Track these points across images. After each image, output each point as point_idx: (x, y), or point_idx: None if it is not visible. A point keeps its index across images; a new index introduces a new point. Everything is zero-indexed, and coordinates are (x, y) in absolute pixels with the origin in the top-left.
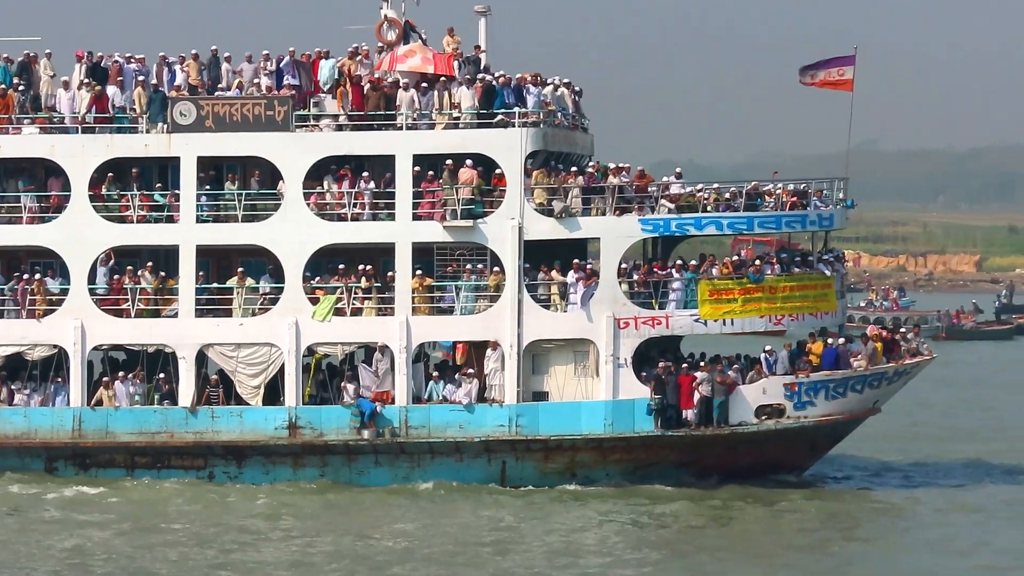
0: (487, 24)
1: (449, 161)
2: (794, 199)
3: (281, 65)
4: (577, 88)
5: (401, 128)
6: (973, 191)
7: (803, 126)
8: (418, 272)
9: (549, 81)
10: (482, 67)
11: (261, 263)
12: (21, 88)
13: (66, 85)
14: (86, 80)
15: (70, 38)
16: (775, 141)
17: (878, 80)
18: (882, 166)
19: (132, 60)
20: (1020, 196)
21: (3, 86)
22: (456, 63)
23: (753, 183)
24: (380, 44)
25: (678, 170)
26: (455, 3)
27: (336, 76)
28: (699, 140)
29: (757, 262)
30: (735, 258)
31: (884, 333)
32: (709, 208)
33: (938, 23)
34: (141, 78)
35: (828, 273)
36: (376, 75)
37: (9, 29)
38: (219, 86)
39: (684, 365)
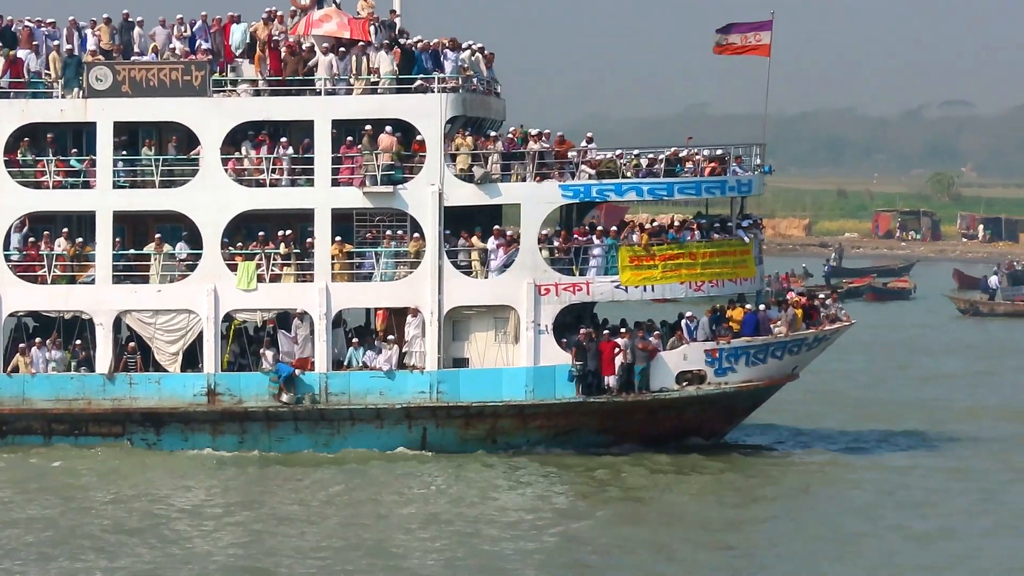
0: None
1: (368, 127)
2: (713, 164)
3: (194, 29)
4: (488, 52)
5: (319, 93)
6: (802, 155)
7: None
8: (337, 239)
9: (465, 46)
10: (397, 31)
11: (177, 229)
12: None
13: None
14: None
15: None
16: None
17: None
18: (711, 130)
19: (42, 24)
20: (848, 160)
21: None
22: (372, 28)
23: (672, 149)
24: (293, 8)
25: (589, 134)
26: None
27: (248, 40)
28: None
29: (676, 226)
30: (654, 224)
31: (803, 299)
32: (629, 174)
33: None
34: (55, 43)
35: (747, 239)
36: (291, 40)
37: None
38: (135, 51)
39: (605, 332)
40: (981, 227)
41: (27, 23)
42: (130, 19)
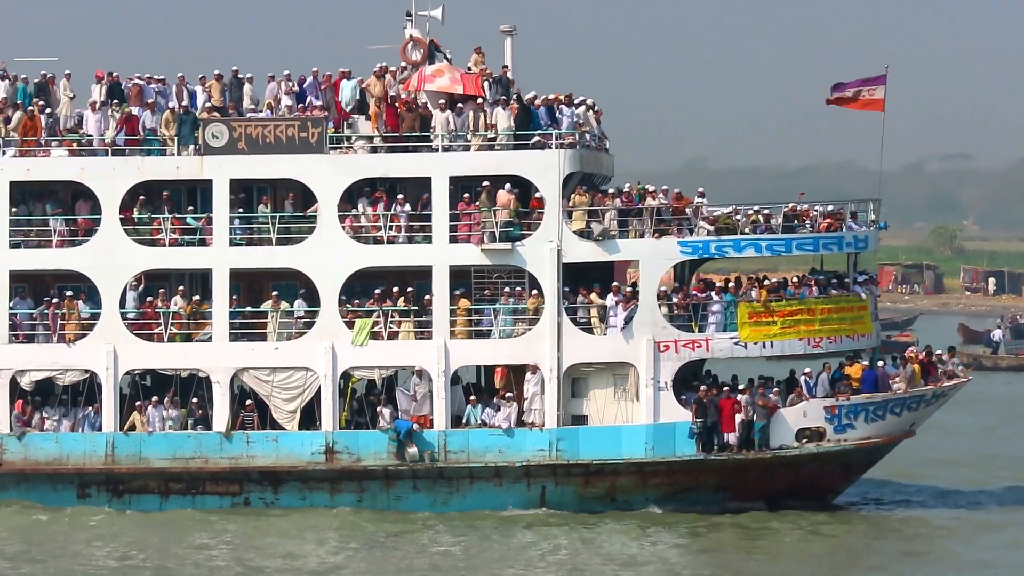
0: (512, 43)
1: (487, 183)
2: (829, 220)
3: (304, 86)
4: (598, 108)
5: (437, 150)
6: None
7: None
8: (455, 294)
9: (577, 101)
10: (511, 87)
11: (292, 286)
12: (47, 110)
13: (93, 107)
14: (115, 102)
15: (87, 58)
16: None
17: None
18: (711, 184)
19: (152, 81)
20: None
21: (31, 109)
22: (485, 83)
23: (790, 205)
24: (403, 64)
25: (701, 190)
26: (478, 23)
27: (358, 96)
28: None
29: (794, 280)
30: (773, 280)
31: (921, 355)
32: (747, 230)
33: (765, 45)
34: (164, 100)
35: (863, 295)
36: (406, 95)
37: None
38: (245, 107)
39: (725, 388)
40: (992, 280)
41: (137, 80)
42: (239, 75)
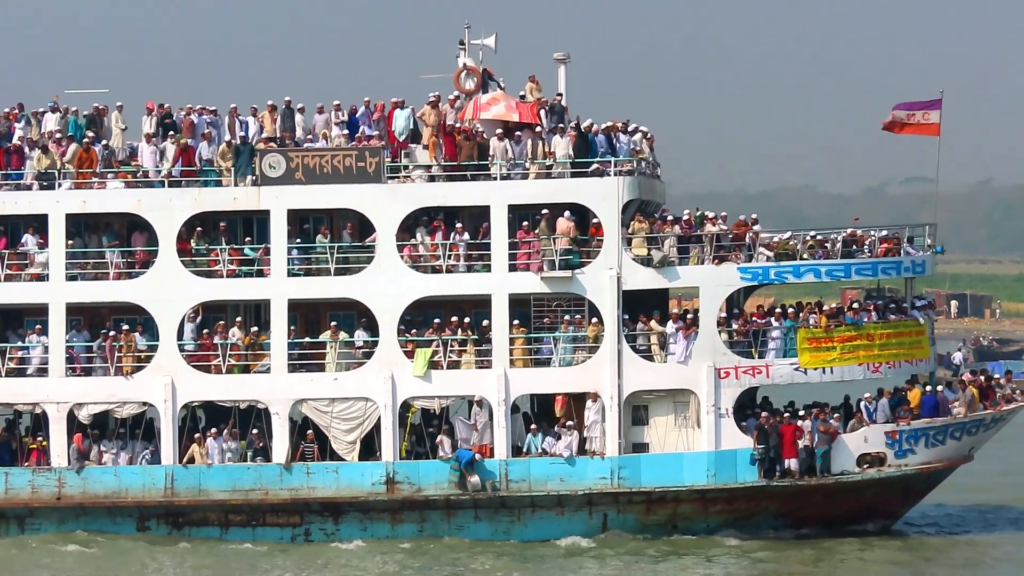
0: (566, 71)
1: (546, 211)
2: (887, 245)
3: (356, 116)
4: (650, 135)
5: (495, 178)
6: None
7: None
8: (514, 323)
9: (633, 128)
10: (565, 114)
11: (350, 316)
12: (103, 142)
13: (147, 138)
14: (171, 134)
15: (137, 90)
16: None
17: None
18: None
19: (204, 112)
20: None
21: (86, 141)
22: (542, 111)
23: (849, 230)
24: (457, 93)
25: (754, 215)
26: (530, 51)
27: (412, 125)
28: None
29: (855, 305)
30: (833, 305)
31: (979, 379)
32: (805, 256)
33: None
34: (216, 131)
35: (922, 320)
36: (462, 124)
37: (73, 82)
38: (300, 138)
39: (786, 415)
40: (954, 303)
41: (188, 111)
42: (291, 106)
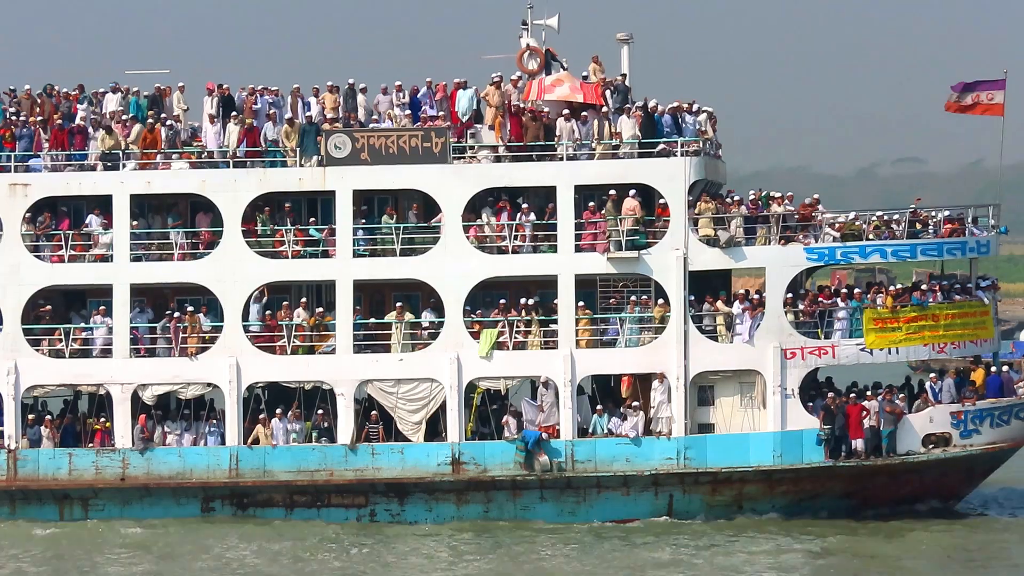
0: (629, 52)
1: (612, 192)
2: (952, 225)
3: (418, 96)
4: (714, 115)
5: (562, 158)
6: None
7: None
8: (580, 304)
9: (701, 109)
10: (628, 94)
11: (414, 297)
12: (168, 123)
13: (211, 119)
14: (234, 114)
15: (197, 70)
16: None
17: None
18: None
19: (265, 92)
20: None
21: (150, 121)
22: (608, 91)
23: (912, 209)
24: (520, 73)
25: (816, 196)
26: (594, 31)
27: (475, 106)
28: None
29: (923, 287)
30: (899, 286)
31: None
32: (871, 236)
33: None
34: (278, 112)
35: (986, 300)
36: (524, 105)
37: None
38: (361, 118)
39: (852, 395)
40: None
41: (250, 91)
42: (355, 87)
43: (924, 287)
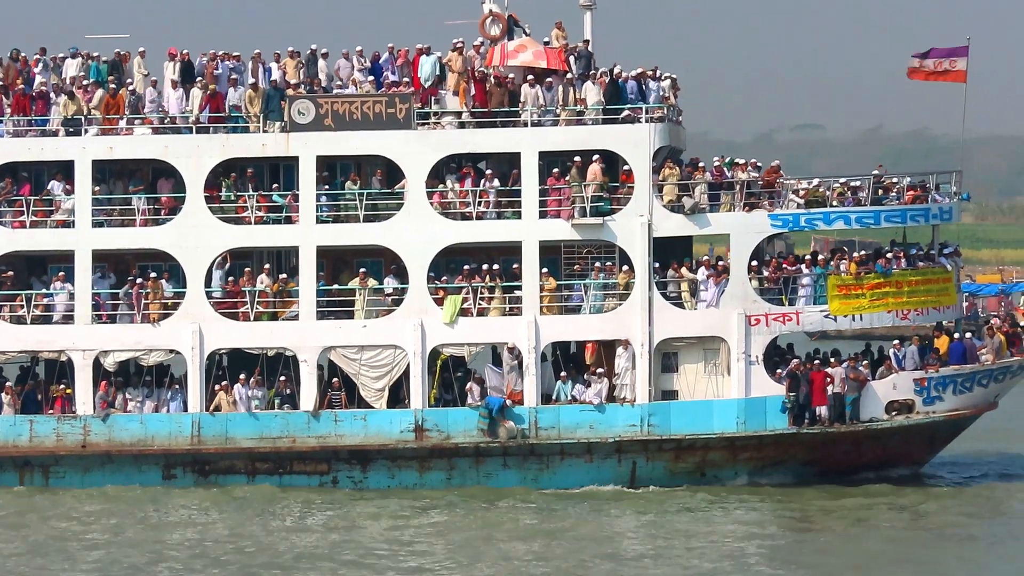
0: (592, 17)
1: (577, 158)
2: (914, 192)
3: (380, 62)
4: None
5: (526, 125)
6: None
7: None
8: (543, 271)
9: (665, 75)
10: (592, 61)
11: (378, 263)
12: (131, 88)
13: (174, 85)
14: (198, 79)
15: (157, 35)
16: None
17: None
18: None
19: (227, 58)
20: None
21: (113, 86)
22: (572, 58)
23: (875, 174)
24: (482, 39)
25: (776, 162)
26: None
27: (438, 72)
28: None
29: (888, 255)
30: (863, 252)
31: (1006, 326)
32: (835, 203)
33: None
34: (239, 78)
35: (949, 267)
36: (491, 70)
37: (96, 26)
38: (336, 84)
39: (816, 361)
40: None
41: (213, 59)
42: (316, 53)
43: (888, 254)
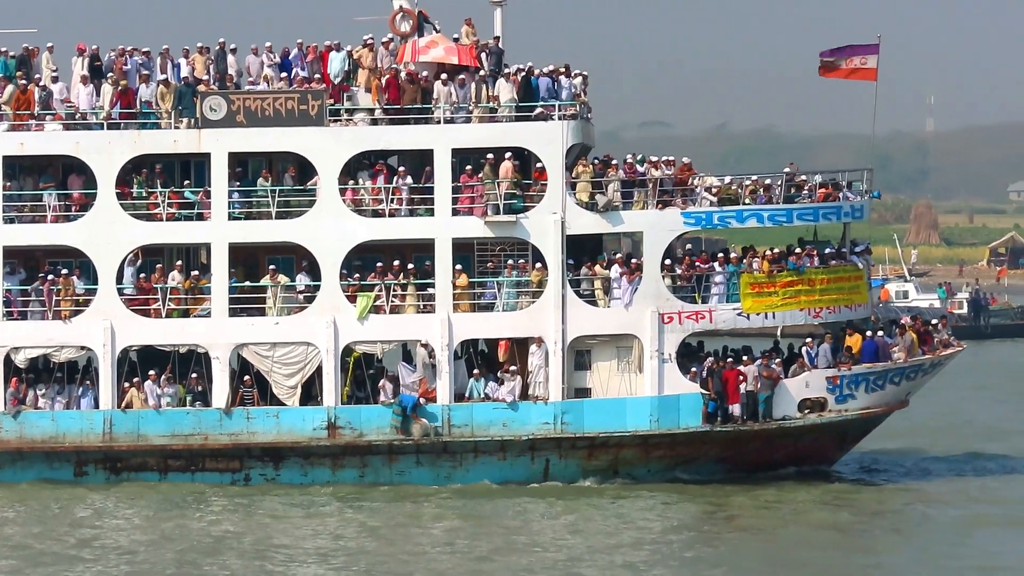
0: (502, 14)
1: (491, 155)
2: (826, 190)
3: (290, 57)
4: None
5: (439, 122)
6: None
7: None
8: (457, 268)
9: (576, 73)
10: (503, 58)
11: (289, 260)
12: (42, 83)
13: (84, 80)
14: (109, 75)
15: (66, 30)
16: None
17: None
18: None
19: (136, 53)
20: None
21: (23, 82)
22: (483, 54)
23: (787, 172)
24: (392, 35)
25: (686, 159)
26: None
27: (347, 68)
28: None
29: (797, 251)
30: (775, 250)
31: (918, 324)
32: (747, 200)
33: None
34: (148, 74)
35: (860, 265)
36: (403, 67)
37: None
38: (250, 80)
39: (729, 359)
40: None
41: (121, 54)
42: (225, 48)
43: (799, 251)
